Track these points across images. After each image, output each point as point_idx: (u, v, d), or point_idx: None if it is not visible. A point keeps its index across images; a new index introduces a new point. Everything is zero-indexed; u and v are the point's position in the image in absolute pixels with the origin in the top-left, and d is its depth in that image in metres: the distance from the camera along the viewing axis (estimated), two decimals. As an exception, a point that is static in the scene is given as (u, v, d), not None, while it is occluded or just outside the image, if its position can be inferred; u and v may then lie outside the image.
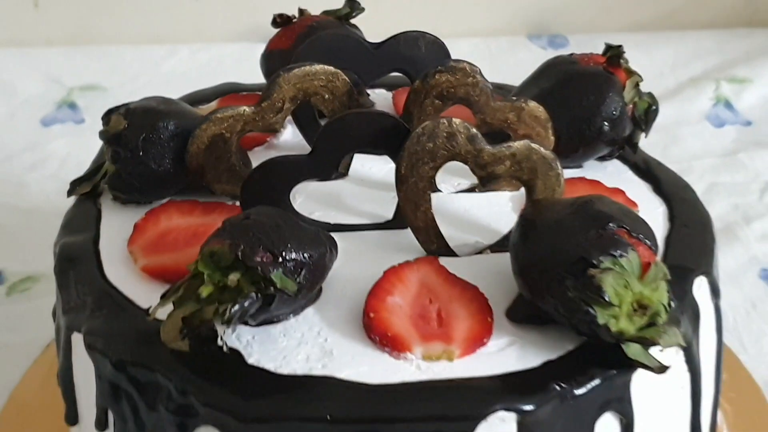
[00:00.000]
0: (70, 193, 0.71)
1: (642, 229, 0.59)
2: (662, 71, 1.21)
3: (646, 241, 0.59)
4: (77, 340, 0.62)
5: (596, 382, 0.58)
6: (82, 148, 1.08)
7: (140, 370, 0.59)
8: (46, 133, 1.14)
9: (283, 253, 0.57)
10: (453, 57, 0.71)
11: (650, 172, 0.74)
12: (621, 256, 0.57)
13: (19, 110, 1.18)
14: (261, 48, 0.78)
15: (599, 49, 0.74)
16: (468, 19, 1.17)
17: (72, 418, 0.67)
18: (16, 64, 1.24)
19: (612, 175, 0.73)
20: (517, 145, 0.63)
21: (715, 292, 0.68)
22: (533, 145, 0.63)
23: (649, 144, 0.97)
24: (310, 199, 0.68)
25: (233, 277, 0.56)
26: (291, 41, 0.75)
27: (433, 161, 0.62)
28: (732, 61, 1.22)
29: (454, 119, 0.62)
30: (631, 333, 0.57)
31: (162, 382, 0.58)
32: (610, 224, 0.58)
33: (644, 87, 1.12)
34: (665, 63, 1.22)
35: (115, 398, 0.61)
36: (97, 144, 0.75)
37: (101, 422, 0.62)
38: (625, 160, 0.75)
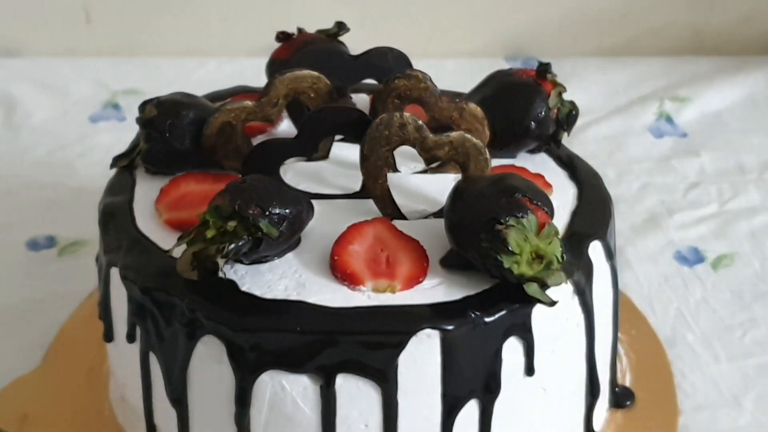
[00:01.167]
0: (112, 166, 0.84)
1: (542, 199, 0.73)
2: (617, 90, 1.32)
3: (544, 207, 0.73)
4: (114, 273, 0.77)
5: (503, 312, 0.70)
6: (122, 140, 1.19)
7: (161, 294, 0.71)
8: (93, 128, 1.25)
9: (269, 208, 0.70)
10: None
11: (569, 162, 0.84)
12: (522, 216, 0.68)
13: (70, 109, 1.28)
14: None
15: (564, 70, 0.87)
16: (452, 42, 1.25)
17: (109, 336, 0.80)
18: (69, 70, 1.33)
19: (538, 164, 0.83)
20: (454, 135, 0.77)
21: (609, 254, 0.78)
22: (467, 135, 0.78)
23: (598, 149, 1.13)
24: (297, 175, 0.79)
25: (231, 224, 0.69)
26: (289, 52, 0.86)
27: (389, 145, 0.77)
28: (677, 83, 1.32)
29: (405, 113, 0.76)
30: (529, 275, 0.73)
31: (176, 303, 0.70)
32: (517, 194, 0.71)
33: (600, 104, 1.28)
34: (619, 83, 1.33)
35: (141, 316, 0.74)
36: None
37: (131, 336, 0.75)
38: (550, 153, 0.84)
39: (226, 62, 1.34)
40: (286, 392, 0.70)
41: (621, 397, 0.86)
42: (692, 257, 1.03)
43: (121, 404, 0.82)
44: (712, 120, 1.25)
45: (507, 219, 0.69)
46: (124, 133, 1.18)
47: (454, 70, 1.28)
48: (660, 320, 0.95)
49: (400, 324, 0.69)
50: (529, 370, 0.73)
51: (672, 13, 1.37)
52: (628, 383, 0.88)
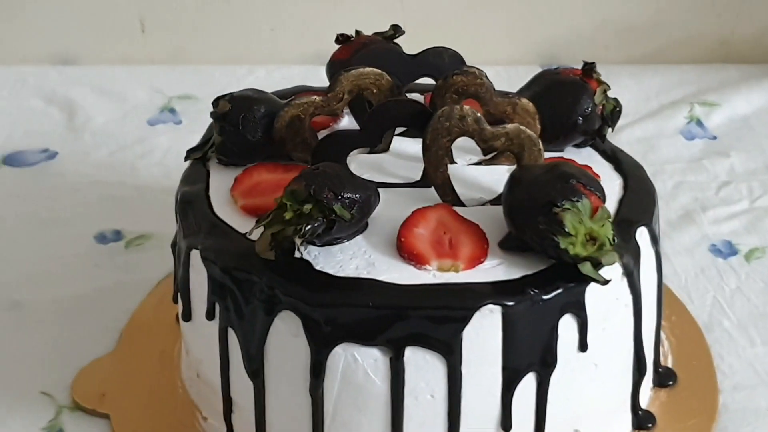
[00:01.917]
0: (186, 158, 0.88)
1: (594, 185, 0.77)
2: (648, 96, 1.37)
3: (597, 193, 0.77)
4: (195, 255, 0.80)
5: (559, 290, 0.73)
6: (180, 142, 1.24)
7: (240, 273, 0.75)
8: (151, 130, 1.29)
9: (342, 193, 0.74)
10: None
11: (614, 156, 0.88)
12: (577, 200, 0.72)
13: (129, 113, 1.33)
14: (323, 69, 0.91)
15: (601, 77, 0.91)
16: (490, 51, 1.29)
17: (187, 315, 0.84)
18: (126, 77, 1.37)
19: (584, 157, 0.85)
20: (510, 126, 0.82)
21: (654, 239, 0.81)
22: (522, 127, 0.82)
23: (632, 150, 1.15)
24: (360, 167, 0.83)
25: (307, 207, 0.73)
26: (349, 54, 0.90)
27: (449, 135, 0.81)
28: (706, 89, 1.36)
29: (465, 106, 0.81)
30: (583, 255, 0.77)
31: (255, 281, 0.74)
32: (571, 180, 0.75)
33: (633, 108, 1.32)
34: (651, 89, 1.38)
35: (221, 294, 0.77)
36: (192, 139, 0.90)
37: (210, 313, 0.79)
38: (595, 147, 0.88)
39: (274, 69, 1.38)
40: (358, 364, 0.73)
41: (664, 377, 0.90)
42: (726, 250, 1.06)
43: (196, 381, 0.86)
44: (740, 124, 1.29)
45: (563, 203, 0.73)
46: (181, 135, 1.24)
47: (493, 78, 1.32)
48: (698, 308, 0.98)
49: (464, 300, 0.72)
50: (583, 346, 0.77)
51: (700, 24, 1.41)
52: (670, 365, 0.91)
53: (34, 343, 0.94)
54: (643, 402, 0.86)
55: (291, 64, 1.38)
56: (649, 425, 0.85)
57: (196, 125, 1.21)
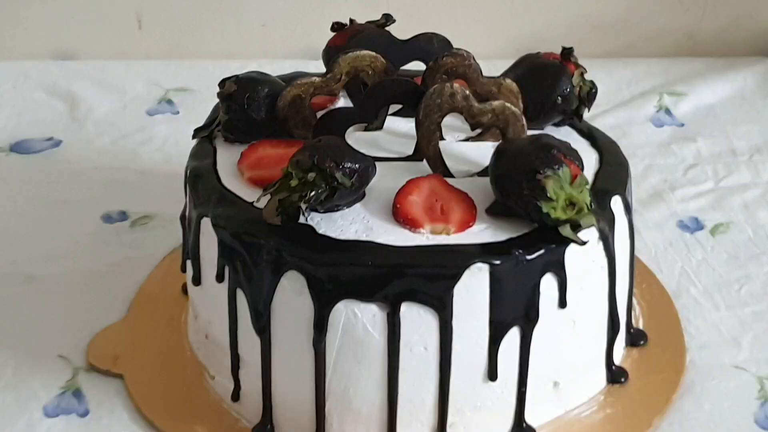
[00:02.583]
0: (194, 137, 0.92)
1: (574, 155, 0.82)
2: (620, 87, 1.42)
3: (576, 161, 0.83)
4: (205, 222, 0.85)
5: (541, 251, 0.79)
6: (177, 131, 1.29)
7: (249, 237, 0.80)
8: (150, 120, 1.33)
9: (343, 162, 0.79)
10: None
11: (590, 133, 0.93)
12: (558, 168, 0.78)
13: (129, 104, 1.36)
14: (313, 64, 0.95)
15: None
16: (472, 45, 1.33)
17: (197, 279, 0.89)
18: (125, 71, 1.42)
19: (563, 134, 0.90)
20: (496, 103, 0.87)
21: (627, 208, 0.87)
22: (507, 104, 0.88)
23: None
24: (357, 143, 0.87)
25: (311, 175, 0.78)
26: (344, 40, 0.94)
27: (440, 111, 0.87)
28: (674, 80, 1.42)
29: (454, 84, 0.88)
30: (563, 218, 0.83)
31: (263, 244, 0.79)
32: (553, 150, 0.81)
33: (606, 99, 1.38)
34: (623, 81, 1.43)
35: (231, 258, 0.82)
36: (189, 129, 0.95)
37: (220, 276, 0.84)
38: (573, 126, 0.94)
39: (266, 64, 1.43)
40: (358, 319, 0.79)
41: (636, 337, 0.96)
42: (693, 225, 1.13)
43: (204, 343, 0.92)
44: (706, 112, 1.35)
45: (545, 170, 0.78)
46: (179, 124, 1.30)
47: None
48: (667, 277, 1.04)
49: (455, 259, 0.78)
50: (562, 302, 0.83)
51: (668, 19, 1.47)
52: (641, 327, 0.98)
53: (49, 313, 0.99)
54: (617, 359, 0.93)
55: (282, 58, 1.43)
56: (622, 379, 0.91)
57: (193, 115, 1.26)
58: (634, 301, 0.99)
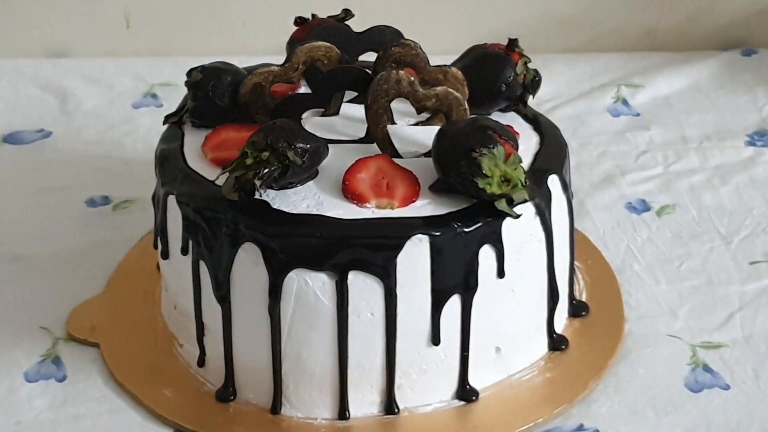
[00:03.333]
0: (164, 122, 0.98)
1: (508, 135, 0.87)
2: (581, 80, 1.47)
3: (510, 141, 0.87)
4: (171, 199, 0.90)
5: (479, 224, 0.84)
6: (160, 123, 1.33)
7: (209, 212, 0.85)
8: (136, 113, 1.38)
9: (295, 142, 0.85)
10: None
11: (534, 118, 0.97)
12: (493, 147, 0.82)
13: (115, 98, 1.41)
14: None
15: (536, 64, 0.98)
16: (437, 41, 1.37)
17: (165, 253, 0.94)
18: (113, 68, 1.47)
19: (508, 119, 0.94)
20: (440, 89, 0.92)
21: (565, 186, 0.92)
22: (450, 89, 0.94)
23: (564, 125, 1.25)
24: (314, 127, 0.92)
25: (265, 154, 0.83)
26: (305, 33, 1.01)
27: (387, 96, 0.91)
28: (633, 73, 1.45)
29: (400, 71, 0.93)
30: (498, 193, 0.88)
31: (222, 218, 0.84)
32: (489, 131, 0.86)
33: (567, 91, 1.43)
34: (584, 74, 1.47)
35: (193, 232, 0.87)
36: None
37: (185, 249, 0.89)
38: (518, 112, 0.98)
39: (245, 60, 1.46)
40: (309, 287, 0.85)
41: (578, 309, 1.01)
42: (640, 207, 1.18)
43: (173, 313, 0.97)
44: (662, 102, 1.40)
45: (480, 149, 0.83)
46: (162, 117, 1.34)
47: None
48: (612, 254, 1.09)
49: (398, 230, 0.83)
50: (500, 273, 0.88)
51: (628, 15, 1.51)
52: (584, 299, 1.03)
53: (33, 288, 1.05)
54: (559, 328, 0.98)
55: (261, 55, 1.46)
56: (563, 347, 0.96)
57: (175, 108, 1.30)
58: (578, 275, 1.04)
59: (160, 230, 0.92)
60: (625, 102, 1.39)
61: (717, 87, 1.42)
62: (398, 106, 0.92)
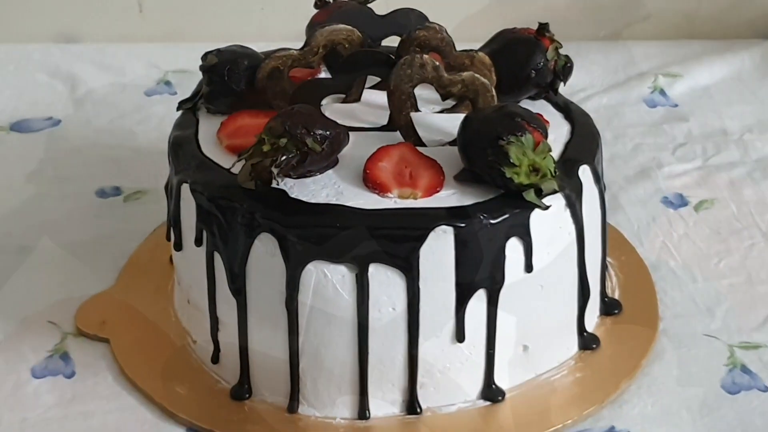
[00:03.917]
0: (178, 108, 0.99)
1: (537, 122, 0.87)
2: (616, 69, 1.47)
3: (539, 129, 0.88)
4: (185, 188, 0.91)
5: (506, 215, 0.85)
6: (174, 111, 1.36)
7: (224, 202, 0.86)
8: (148, 101, 1.39)
9: (314, 129, 0.86)
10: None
11: (565, 107, 0.98)
12: (521, 135, 0.84)
13: (128, 85, 1.42)
14: None
15: (569, 51, 0.98)
16: (471, 30, 1.37)
17: (179, 245, 0.95)
18: (125, 54, 1.48)
19: (537, 107, 0.95)
20: (466, 74, 0.93)
21: (596, 177, 0.93)
22: (476, 75, 0.95)
23: (597, 116, 1.26)
24: (335, 113, 0.93)
25: (283, 141, 0.85)
26: (326, 16, 1.00)
27: (411, 82, 0.92)
28: (671, 62, 1.45)
29: (424, 56, 0.93)
30: (526, 183, 0.88)
31: (237, 208, 0.85)
32: (517, 118, 0.87)
33: (601, 80, 1.43)
34: (619, 63, 1.47)
35: (208, 222, 0.88)
36: None
37: (198, 240, 0.90)
38: (549, 100, 0.99)
39: (263, 47, 1.48)
40: (328, 279, 0.86)
41: (610, 306, 1.02)
42: (677, 201, 1.18)
43: (186, 308, 0.98)
44: (701, 93, 1.40)
45: (508, 137, 0.84)
46: (176, 105, 1.35)
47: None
48: (647, 250, 1.09)
49: (421, 221, 0.84)
50: (528, 267, 0.88)
51: (666, 1, 1.51)
52: (617, 297, 1.03)
53: (41, 281, 1.06)
54: (590, 326, 0.98)
55: (280, 41, 1.46)
56: (594, 346, 0.97)
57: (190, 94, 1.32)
58: (611, 271, 1.04)
59: (174, 220, 0.93)
60: (662, 92, 1.40)
61: (759, 77, 1.43)
62: (422, 92, 0.93)
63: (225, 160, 0.91)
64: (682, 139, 1.30)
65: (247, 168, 0.84)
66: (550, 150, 0.85)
